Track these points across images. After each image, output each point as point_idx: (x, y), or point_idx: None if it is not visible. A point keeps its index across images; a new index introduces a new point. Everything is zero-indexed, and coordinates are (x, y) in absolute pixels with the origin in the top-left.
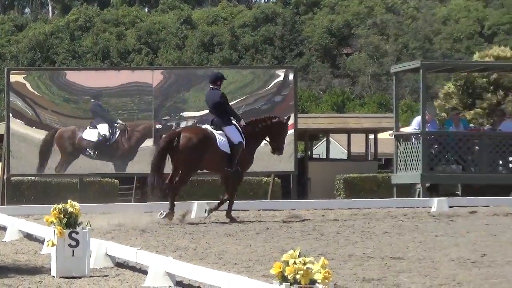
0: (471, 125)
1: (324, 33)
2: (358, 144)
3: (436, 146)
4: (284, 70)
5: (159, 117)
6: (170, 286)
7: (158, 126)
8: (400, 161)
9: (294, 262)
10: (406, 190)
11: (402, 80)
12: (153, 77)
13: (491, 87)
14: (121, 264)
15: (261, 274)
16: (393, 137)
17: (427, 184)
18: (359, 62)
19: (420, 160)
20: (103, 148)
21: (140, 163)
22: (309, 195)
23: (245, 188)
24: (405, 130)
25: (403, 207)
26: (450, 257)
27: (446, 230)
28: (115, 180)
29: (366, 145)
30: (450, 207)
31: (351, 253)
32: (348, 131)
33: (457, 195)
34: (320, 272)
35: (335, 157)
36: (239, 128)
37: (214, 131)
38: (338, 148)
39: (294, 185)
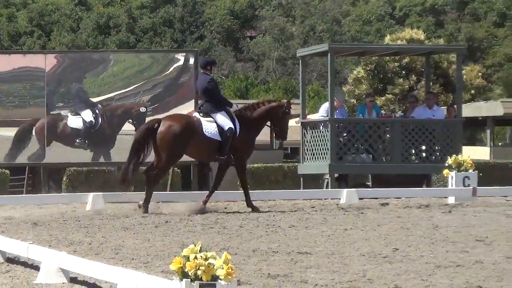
0: (382, 111)
1: (227, 15)
2: (262, 132)
3: (345, 134)
4: (184, 54)
5: (53, 104)
6: (63, 283)
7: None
8: (307, 150)
9: (195, 257)
10: (313, 181)
11: (309, 65)
12: (45, 62)
13: (403, 72)
14: (11, 260)
15: (160, 270)
16: (299, 124)
17: (336, 175)
18: (264, 45)
19: (328, 149)
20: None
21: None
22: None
23: (142, 178)
24: (312, 117)
25: (311, 199)
26: (360, 252)
27: (356, 223)
28: (6, 171)
29: (271, 133)
30: (360, 198)
31: (256, 248)
32: None
33: (367, 186)
34: (223, 268)
35: None
36: (231, 114)
37: (202, 118)
38: None
39: (195, 175)
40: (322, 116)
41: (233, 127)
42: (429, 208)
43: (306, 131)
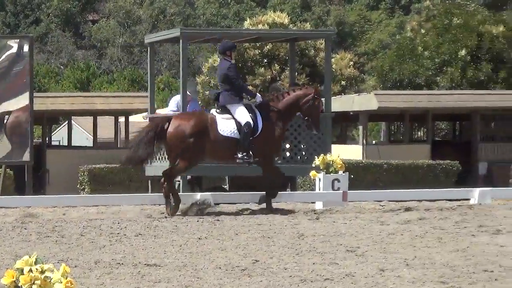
0: None
1: None
2: (106, 129)
3: None
4: (18, 40)
5: None
6: None
7: None
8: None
9: (30, 270)
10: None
11: (159, 52)
12: None
13: (265, 60)
14: None
15: None
16: (147, 120)
17: (188, 177)
18: (108, 30)
19: None
20: None
21: None
22: (48, 189)
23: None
24: (161, 111)
25: (159, 204)
26: (215, 264)
27: (211, 232)
28: None
29: (116, 129)
30: (216, 204)
31: (98, 259)
32: (94, 113)
33: (224, 190)
34: (61, 282)
35: (78, 144)
36: (252, 107)
37: (218, 115)
38: (82, 134)
39: (29, 178)
40: (172, 110)
41: (251, 121)
42: (294, 214)
43: None
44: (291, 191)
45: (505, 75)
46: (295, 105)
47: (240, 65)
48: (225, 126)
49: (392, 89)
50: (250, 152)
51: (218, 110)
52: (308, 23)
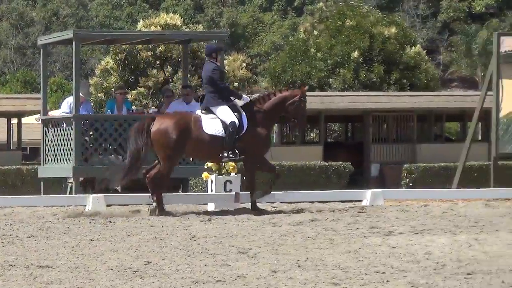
0: (133, 107)
1: None
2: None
3: (91, 133)
4: None
5: None
6: None
7: None
8: (49, 150)
9: None
10: (56, 186)
11: (52, 54)
12: None
13: (158, 62)
14: None
15: None
16: (40, 122)
17: (81, 178)
18: (0, 32)
19: (72, 149)
20: None
21: None
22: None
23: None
24: (54, 113)
25: (53, 206)
26: (108, 265)
27: (103, 233)
28: None
29: (8, 131)
30: (109, 205)
31: None
32: None
33: (116, 191)
34: None
35: None
36: (237, 107)
37: (203, 115)
38: None
39: None
40: (64, 112)
41: (236, 121)
42: (186, 216)
43: (48, 129)
44: (183, 192)
45: (397, 76)
46: (280, 106)
47: (133, 66)
48: (211, 125)
49: None
50: (236, 151)
51: (203, 112)
52: (200, 24)
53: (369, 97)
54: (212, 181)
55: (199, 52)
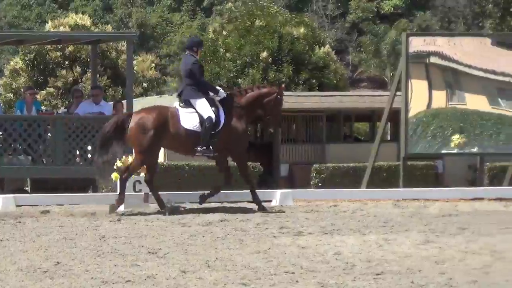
0: (42, 107)
1: None
2: None
3: (0, 134)
4: None
5: None
6: None
7: None
8: None
9: None
10: None
11: None
12: None
13: (67, 63)
14: None
15: None
16: None
17: None
18: None
19: None
20: None
21: None
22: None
23: None
24: None
25: None
26: (18, 266)
27: (13, 234)
28: None
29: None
30: (18, 206)
31: None
32: None
33: (25, 192)
34: None
35: None
36: (215, 102)
37: (181, 109)
38: None
39: None
40: None
41: (213, 116)
42: (95, 216)
43: None
44: (92, 192)
45: (306, 76)
46: (258, 102)
47: (42, 67)
48: (188, 119)
49: None
50: (210, 147)
51: (181, 104)
52: (110, 25)
53: None
54: None
55: (108, 53)
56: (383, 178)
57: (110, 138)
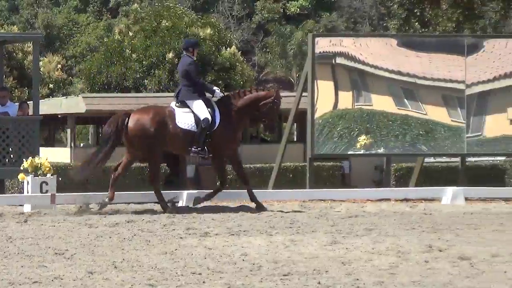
0: None
1: None
2: None
3: None
4: None
5: None
6: None
7: None
8: None
9: None
10: None
11: None
12: None
13: None
14: None
15: None
16: None
17: None
18: None
19: None
20: None
21: None
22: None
23: None
24: None
25: None
26: None
27: None
28: None
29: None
30: None
31: None
32: None
33: None
34: None
35: None
36: (211, 102)
37: (177, 109)
38: None
39: None
40: None
41: (209, 117)
42: (2, 217)
43: None
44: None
45: (212, 77)
46: (254, 104)
47: None
48: (184, 119)
49: (100, 92)
50: (205, 148)
51: (177, 104)
52: (16, 26)
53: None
54: (28, 182)
55: (14, 53)
56: (290, 179)
57: (111, 139)
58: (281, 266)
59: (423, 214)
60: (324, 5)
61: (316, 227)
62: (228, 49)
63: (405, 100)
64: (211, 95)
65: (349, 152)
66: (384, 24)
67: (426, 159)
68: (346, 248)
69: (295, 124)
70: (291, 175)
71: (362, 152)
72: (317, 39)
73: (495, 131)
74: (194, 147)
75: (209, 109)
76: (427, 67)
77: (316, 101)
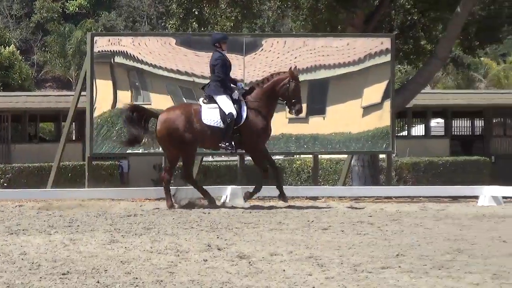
0: None
1: None
2: None
3: None
4: None
5: None
6: None
7: None
8: None
9: None
10: None
11: None
12: None
13: None
14: None
15: None
16: None
17: None
18: None
19: None
20: None
21: None
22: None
23: None
24: None
25: None
26: None
27: None
28: None
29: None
30: None
31: None
32: None
33: None
34: None
35: None
36: (239, 96)
37: (203, 105)
38: None
39: None
40: None
41: (234, 112)
42: None
43: None
44: None
45: None
46: (274, 92)
47: None
48: (210, 115)
49: None
50: (233, 143)
51: (205, 100)
52: None
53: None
54: None
55: None
56: (69, 178)
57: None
58: (60, 265)
59: (201, 213)
60: (103, 4)
61: (95, 226)
62: (7, 48)
63: (184, 99)
64: (237, 89)
65: (127, 151)
66: (163, 24)
67: (205, 158)
68: (125, 247)
69: (74, 123)
70: (70, 174)
71: (140, 151)
72: (95, 38)
73: (274, 130)
74: (223, 143)
75: (235, 104)
76: (206, 66)
77: (95, 100)
